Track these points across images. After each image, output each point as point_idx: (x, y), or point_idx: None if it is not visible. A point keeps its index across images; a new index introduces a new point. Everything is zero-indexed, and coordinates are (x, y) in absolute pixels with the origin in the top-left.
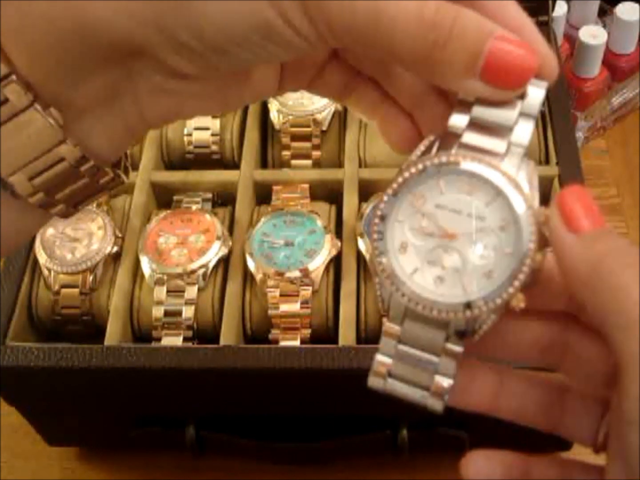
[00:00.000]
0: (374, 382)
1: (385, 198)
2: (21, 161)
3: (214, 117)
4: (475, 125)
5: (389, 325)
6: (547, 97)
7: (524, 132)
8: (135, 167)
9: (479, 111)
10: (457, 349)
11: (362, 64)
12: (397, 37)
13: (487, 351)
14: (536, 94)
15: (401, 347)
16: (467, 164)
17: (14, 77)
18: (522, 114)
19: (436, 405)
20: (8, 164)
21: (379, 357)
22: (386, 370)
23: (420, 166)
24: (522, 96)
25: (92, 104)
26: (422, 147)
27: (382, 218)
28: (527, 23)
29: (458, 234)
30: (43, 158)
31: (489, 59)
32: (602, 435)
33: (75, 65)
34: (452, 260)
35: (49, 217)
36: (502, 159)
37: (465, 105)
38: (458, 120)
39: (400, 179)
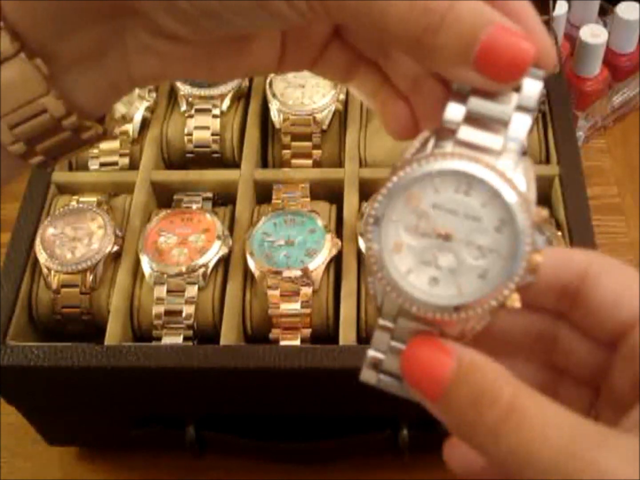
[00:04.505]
0: (366, 376)
1: (379, 197)
2: (4, 109)
3: (214, 116)
4: (471, 119)
5: (382, 321)
6: (548, 97)
7: (521, 126)
8: (136, 167)
9: (475, 103)
10: None
11: (362, 44)
12: (390, 19)
13: (480, 340)
14: (533, 86)
15: (394, 343)
16: (463, 164)
17: (1, 24)
18: (519, 107)
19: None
20: None
21: (372, 353)
22: (379, 365)
23: (415, 165)
24: (518, 89)
25: (79, 58)
26: (417, 144)
27: (376, 217)
28: (528, 10)
29: (453, 234)
30: (26, 108)
31: (483, 48)
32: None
33: (65, 18)
34: (447, 261)
35: (25, 168)
36: (498, 157)
37: (460, 97)
38: (453, 113)
39: (395, 178)
